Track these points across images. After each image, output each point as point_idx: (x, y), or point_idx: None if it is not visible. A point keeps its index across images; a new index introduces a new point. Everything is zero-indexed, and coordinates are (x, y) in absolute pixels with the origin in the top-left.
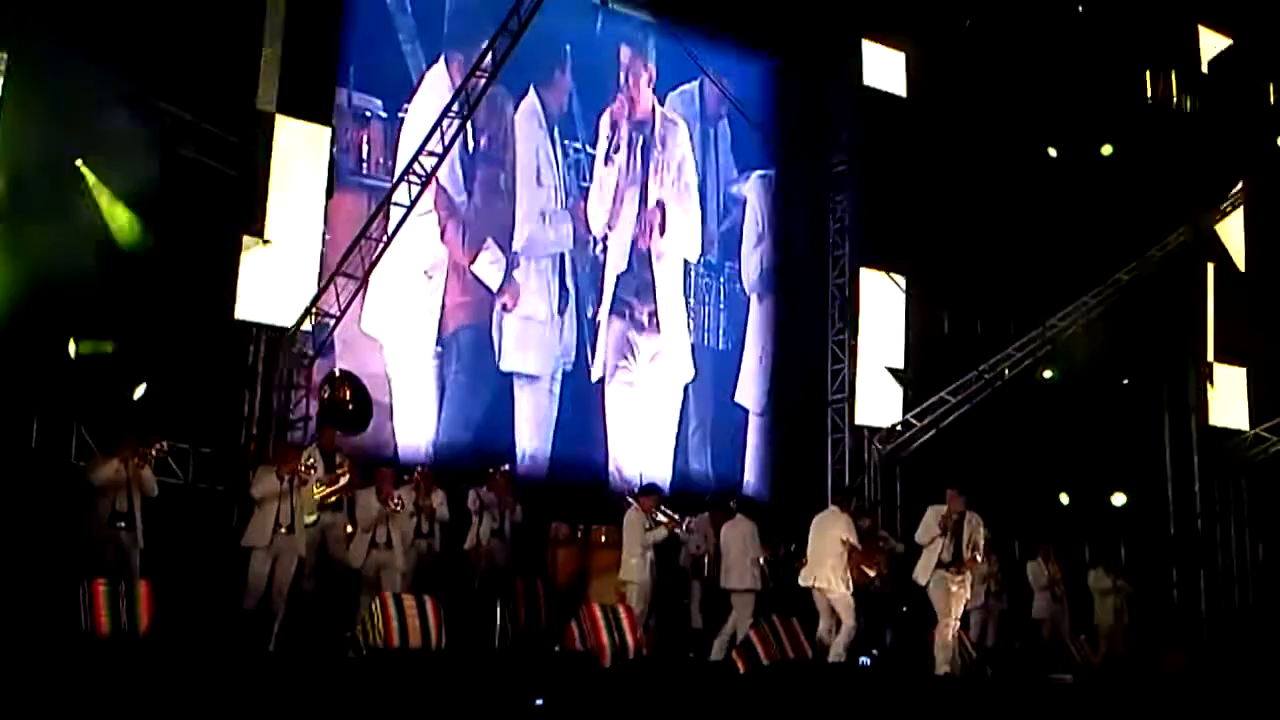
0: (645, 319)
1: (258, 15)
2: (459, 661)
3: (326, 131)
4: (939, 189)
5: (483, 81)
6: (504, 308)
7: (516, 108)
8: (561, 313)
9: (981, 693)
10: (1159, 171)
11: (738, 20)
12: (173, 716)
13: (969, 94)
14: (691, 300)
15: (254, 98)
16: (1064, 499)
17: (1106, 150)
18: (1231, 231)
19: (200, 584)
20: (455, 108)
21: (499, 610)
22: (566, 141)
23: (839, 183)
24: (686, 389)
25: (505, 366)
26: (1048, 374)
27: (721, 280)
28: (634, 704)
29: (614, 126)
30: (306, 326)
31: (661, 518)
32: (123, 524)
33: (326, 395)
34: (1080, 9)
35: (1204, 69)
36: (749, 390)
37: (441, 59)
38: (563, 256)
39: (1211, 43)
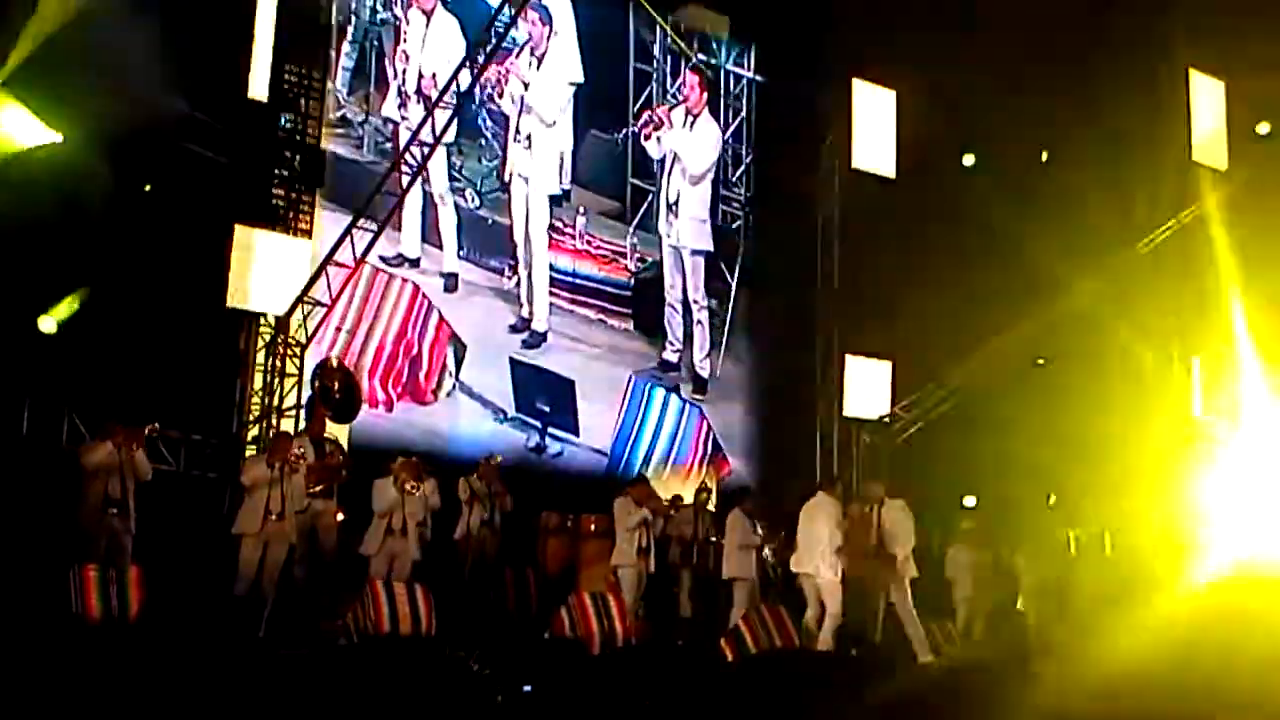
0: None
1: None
2: (447, 648)
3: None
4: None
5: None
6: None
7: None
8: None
9: (964, 682)
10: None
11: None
12: (163, 702)
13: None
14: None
15: (245, 86)
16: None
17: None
18: None
19: (191, 570)
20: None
21: (490, 597)
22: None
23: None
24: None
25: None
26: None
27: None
28: (622, 691)
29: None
30: (298, 314)
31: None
32: (115, 509)
33: (317, 383)
34: None
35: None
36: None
37: None
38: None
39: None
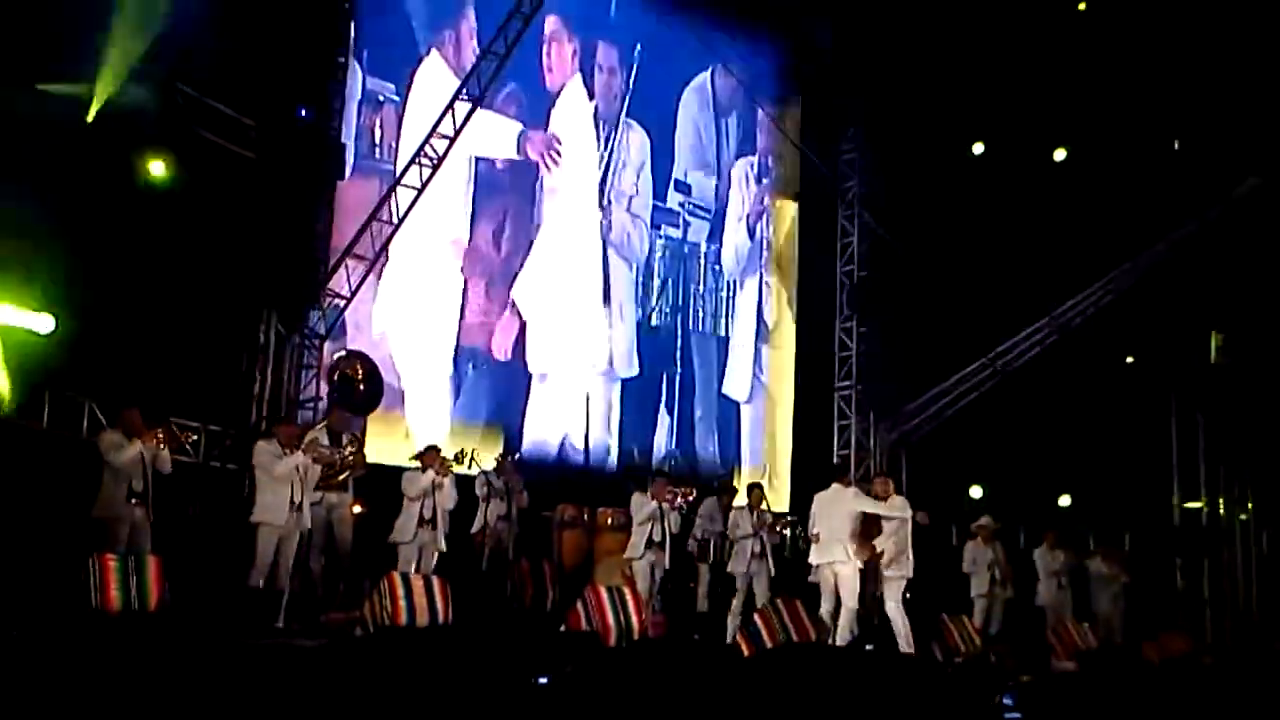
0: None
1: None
2: (464, 639)
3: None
4: (948, 175)
5: (494, 65)
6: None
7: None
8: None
9: (984, 679)
10: (1167, 161)
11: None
12: (182, 692)
13: (978, 85)
14: (701, 288)
15: (270, 82)
16: (1064, 500)
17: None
18: None
19: (210, 561)
20: (465, 92)
21: (506, 590)
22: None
23: (848, 169)
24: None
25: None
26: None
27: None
28: (638, 684)
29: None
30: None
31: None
32: (136, 500)
33: (336, 374)
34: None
35: None
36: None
37: (447, 40)
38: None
39: None
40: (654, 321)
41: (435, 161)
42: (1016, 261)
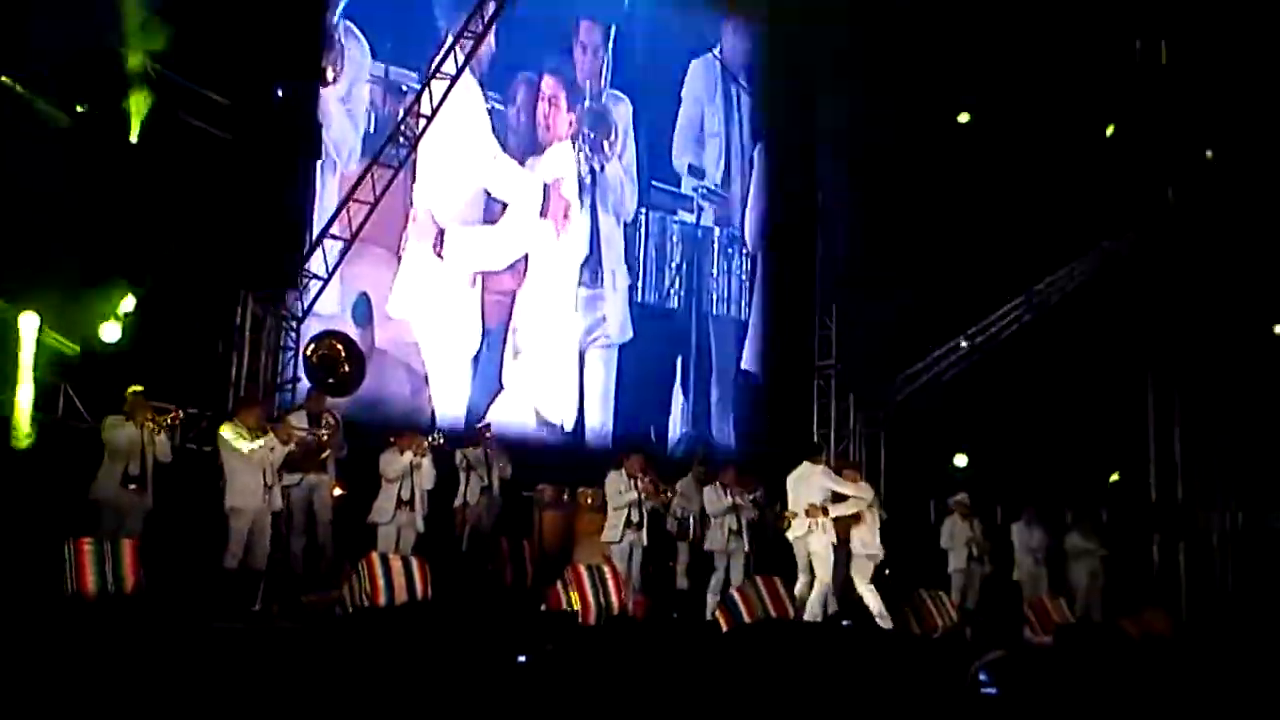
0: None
1: None
2: (444, 618)
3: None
4: (927, 152)
5: (470, 44)
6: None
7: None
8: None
9: (961, 654)
10: (1146, 139)
11: None
12: (161, 675)
13: (958, 60)
14: (714, 270)
15: (248, 62)
16: (1042, 476)
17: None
18: None
19: (187, 544)
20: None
21: (487, 569)
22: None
23: (829, 141)
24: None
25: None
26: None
27: (744, 251)
28: (617, 662)
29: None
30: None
31: (640, 483)
32: (134, 485)
33: (316, 355)
34: None
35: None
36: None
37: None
38: None
39: None
40: (670, 305)
41: (413, 140)
42: (994, 238)
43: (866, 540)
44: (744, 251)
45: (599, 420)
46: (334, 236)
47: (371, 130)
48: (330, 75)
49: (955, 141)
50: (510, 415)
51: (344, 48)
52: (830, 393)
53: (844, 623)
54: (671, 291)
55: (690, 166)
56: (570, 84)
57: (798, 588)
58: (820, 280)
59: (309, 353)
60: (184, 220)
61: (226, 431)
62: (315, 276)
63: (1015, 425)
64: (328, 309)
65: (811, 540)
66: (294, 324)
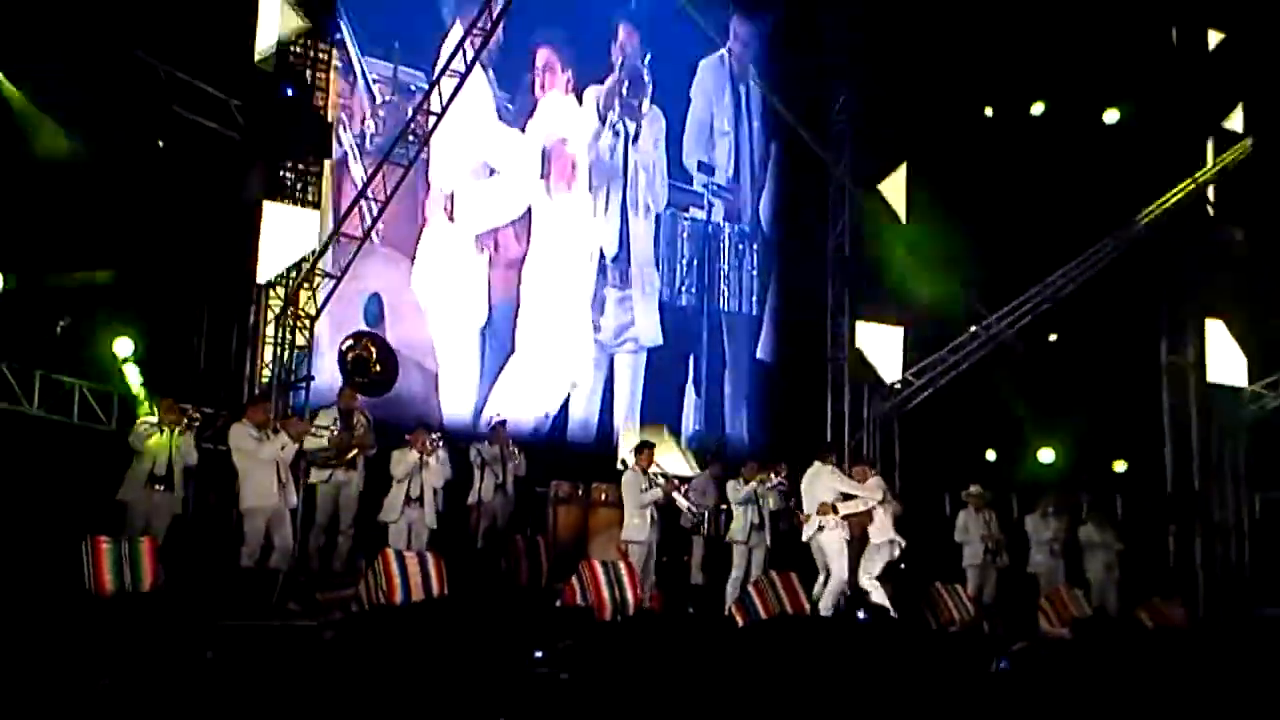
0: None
1: None
2: (459, 614)
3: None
4: (938, 143)
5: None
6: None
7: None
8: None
9: (978, 648)
10: (1160, 129)
11: None
12: (177, 673)
13: (968, 48)
14: (725, 266)
15: (252, 59)
16: (1053, 462)
17: (1110, 117)
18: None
19: (204, 543)
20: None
21: (502, 566)
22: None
23: (840, 139)
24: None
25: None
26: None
27: (755, 246)
28: (633, 657)
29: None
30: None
31: (660, 480)
32: (160, 486)
33: (350, 355)
34: None
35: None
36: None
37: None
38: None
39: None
40: (681, 302)
41: (422, 138)
42: (1009, 228)
43: (879, 534)
44: (754, 247)
45: (623, 421)
46: (346, 235)
47: (381, 129)
48: (339, 73)
49: (972, 131)
50: (525, 413)
51: (351, 46)
52: (844, 384)
53: (859, 617)
54: (683, 289)
55: (700, 164)
56: (567, 55)
57: (816, 586)
58: (832, 271)
59: (344, 349)
60: (196, 219)
61: (237, 432)
62: (328, 275)
63: (1030, 416)
64: (340, 310)
65: (823, 537)
66: (307, 322)
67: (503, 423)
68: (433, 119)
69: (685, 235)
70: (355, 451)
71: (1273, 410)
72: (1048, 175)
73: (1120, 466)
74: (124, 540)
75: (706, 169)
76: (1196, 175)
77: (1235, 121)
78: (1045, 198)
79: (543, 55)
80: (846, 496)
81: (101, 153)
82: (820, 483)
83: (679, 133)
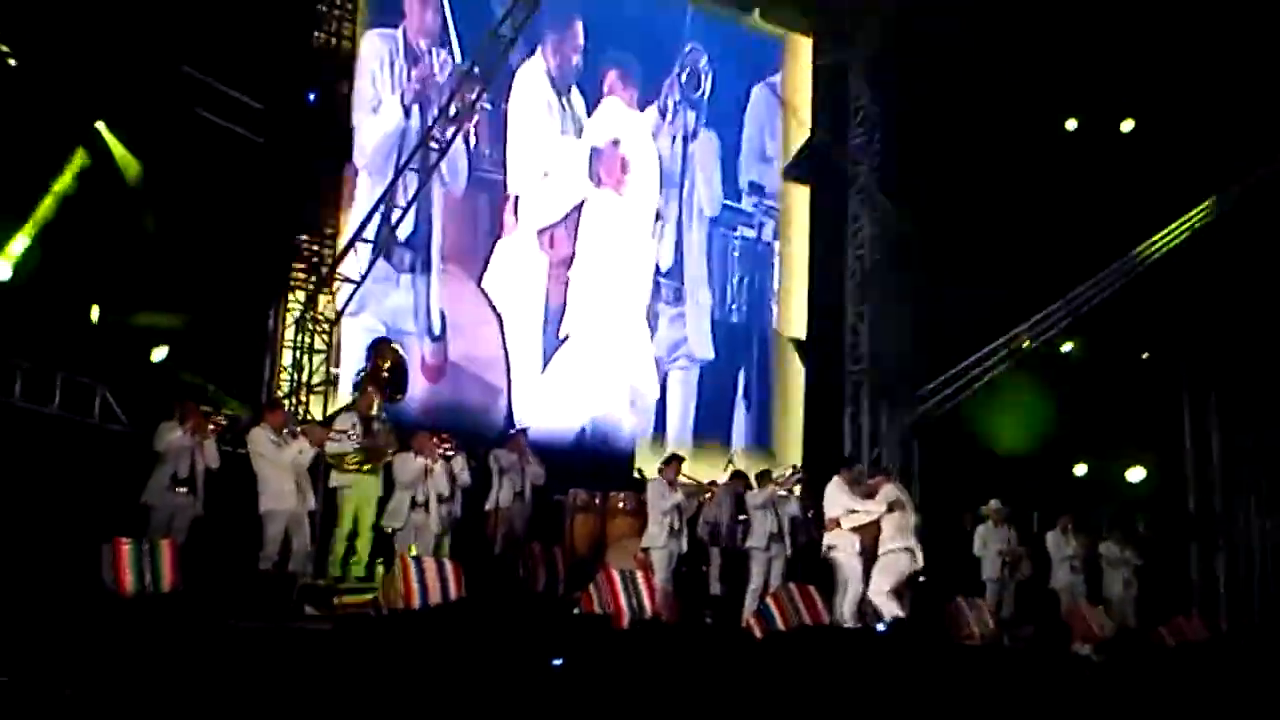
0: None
1: None
2: (477, 621)
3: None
4: (961, 157)
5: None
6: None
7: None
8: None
9: (999, 663)
10: (1184, 142)
11: None
12: (194, 675)
13: (989, 61)
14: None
15: (278, 65)
16: (1079, 470)
17: (1127, 126)
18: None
19: (224, 545)
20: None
21: (519, 573)
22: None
23: (859, 153)
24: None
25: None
26: (1068, 347)
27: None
28: (651, 666)
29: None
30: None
31: (682, 481)
32: (184, 489)
33: (370, 362)
34: None
35: None
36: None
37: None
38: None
39: None
40: (733, 319)
41: (443, 146)
42: (1030, 244)
43: (887, 542)
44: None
45: (676, 436)
46: (365, 240)
47: (406, 135)
48: (362, 80)
49: (992, 146)
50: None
51: (378, 53)
52: (863, 398)
53: (879, 629)
54: (734, 306)
55: (751, 184)
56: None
57: (835, 599)
58: (851, 284)
59: (367, 357)
60: (217, 223)
61: (256, 435)
62: (348, 280)
63: (1051, 431)
64: (405, 324)
65: (835, 552)
66: (327, 327)
67: (523, 431)
68: (451, 129)
69: (736, 254)
70: (384, 457)
71: None
72: (1076, 187)
73: (1137, 474)
74: (145, 542)
75: (757, 189)
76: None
77: None
78: (1072, 210)
79: (611, 76)
80: (852, 510)
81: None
82: (829, 498)
83: (734, 153)
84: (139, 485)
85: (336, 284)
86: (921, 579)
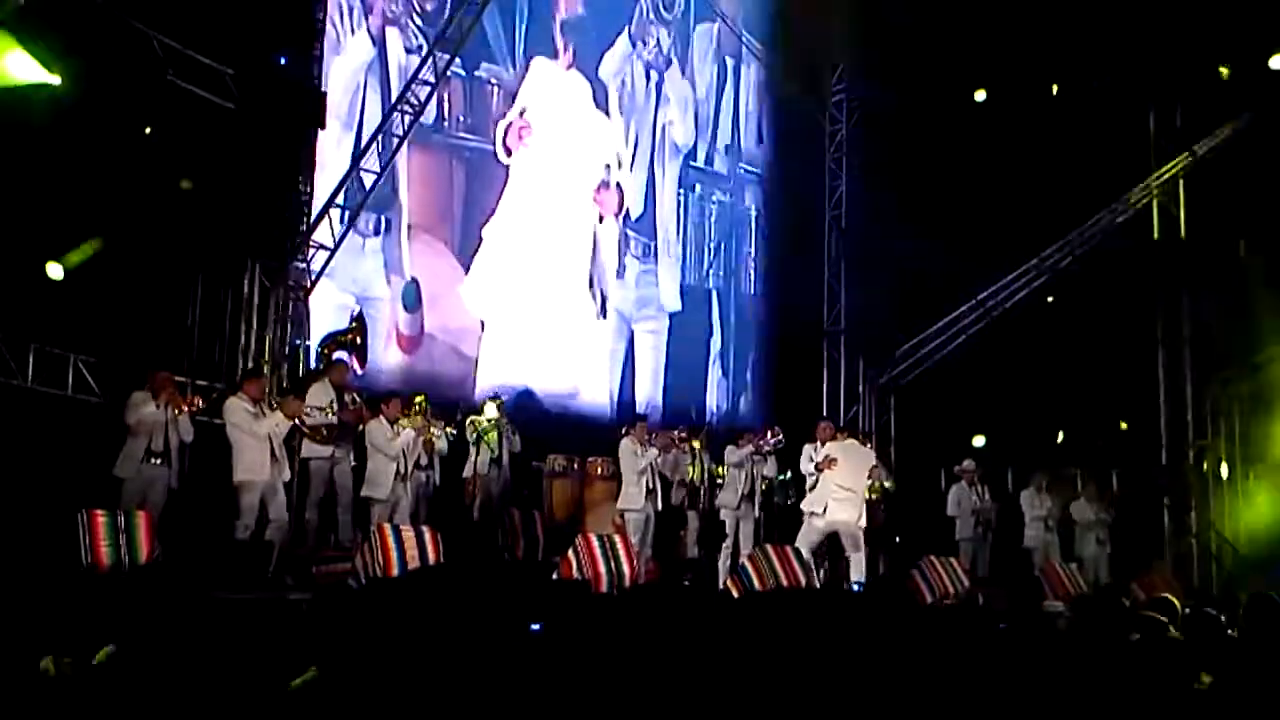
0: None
1: None
2: (456, 587)
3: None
4: (937, 121)
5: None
6: None
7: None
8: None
9: (973, 621)
10: (1154, 102)
11: None
12: (172, 646)
13: (967, 24)
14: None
15: (248, 30)
16: (1055, 441)
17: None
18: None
19: (199, 516)
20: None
21: (498, 540)
22: None
23: (837, 112)
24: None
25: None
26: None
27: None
28: (630, 629)
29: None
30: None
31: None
32: (158, 460)
33: (349, 335)
34: None
35: None
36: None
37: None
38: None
39: None
40: (709, 284)
41: (417, 109)
42: (1006, 203)
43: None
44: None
45: (647, 397)
46: (339, 206)
47: (380, 98)
48: (335, 44)
49: (966, 108)
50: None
51: (349, 16)
52: (840, 358)
53: (853, 587)
54: (710, 271)
55: (727, 147)
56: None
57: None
58: (829, 244)
59: (349, 329)
60: (188, 191)
61: (233, 405)
62: (322, 247)
63: (1026, 391)
64: (379, 292)
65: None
66: (301, 294)
67: (497, 396)
68: (426, 89)
69: (713, 218)
70: (360, 428)
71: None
72: (1047, 150)
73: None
74: (120, 514)
75: (734, 151)
76: (1195, 148)
77: None
78: (1043, 172)
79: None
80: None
81: (94, 121)
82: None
83: (694, 111)
84: (113, 457)
85: (311, 250)
86: (896, 539)
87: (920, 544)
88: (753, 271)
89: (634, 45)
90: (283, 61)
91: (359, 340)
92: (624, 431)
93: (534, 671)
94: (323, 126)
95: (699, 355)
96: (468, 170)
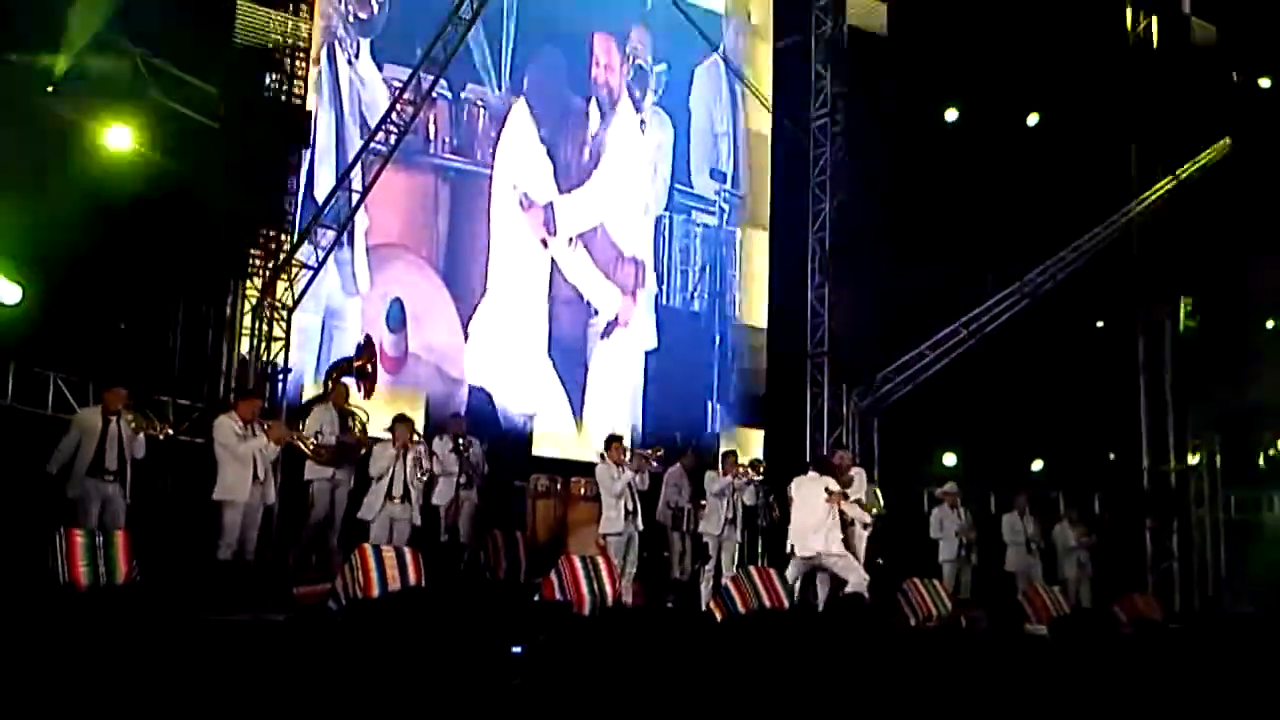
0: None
1: None
2: (437, 609)
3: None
4: (918, 140)
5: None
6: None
7: None
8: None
9: (955, 643)
10: (1138, 122)
11: None
12: (152, 667)
13: (949, 44)
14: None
15: (231, 45)
16: (1037, 465)
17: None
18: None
19: (179, 536)
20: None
21: (481, 558)
22: None
23: (821, 135)
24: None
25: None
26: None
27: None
28: (613, 651)
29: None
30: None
31: (630, 461)
32: (110, 478)
33: (359, 361)
34: None
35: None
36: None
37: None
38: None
39: None
40: (695, 307)
41: (401, 129)
42: (988, 227)
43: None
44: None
45: (627, 424)
46: (324, 225)
47: (363, 119)
48: (321, 63)
49: (945, 132)
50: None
51: (335, 38)
52: (824, 380)
53: (837, 609)
54: (695, 294)
55: (712, 171)
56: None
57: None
58: (812, 267)
59: (357, 354)
60: (173, 209)
61: (222, 423)
62: (306, 266)
63: (1009, 413)
64: (353, 313)
65: (827, 555)
66: (285, 314)
67: (456, 415)
68: (410, 109)
69: (698, 241)
70: (363, 451)
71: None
72: (1030, 173)
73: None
74: (98, 533)
75: (718, 175)
76: (1178, 172)
77: None
78: (1026, 195)
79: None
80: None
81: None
82: (815, 493)
83: (685, 145)
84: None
85: (294, 270)
86: (879, 560)
87: (904, 566)
88: (737, 294)
89: (601, 111)
90: (268, 82)
91: (369, 368)
92: (600, 455)
93: (516, 694)
94: (307, 146)
95: (682, 379)
96: (452, 191)
